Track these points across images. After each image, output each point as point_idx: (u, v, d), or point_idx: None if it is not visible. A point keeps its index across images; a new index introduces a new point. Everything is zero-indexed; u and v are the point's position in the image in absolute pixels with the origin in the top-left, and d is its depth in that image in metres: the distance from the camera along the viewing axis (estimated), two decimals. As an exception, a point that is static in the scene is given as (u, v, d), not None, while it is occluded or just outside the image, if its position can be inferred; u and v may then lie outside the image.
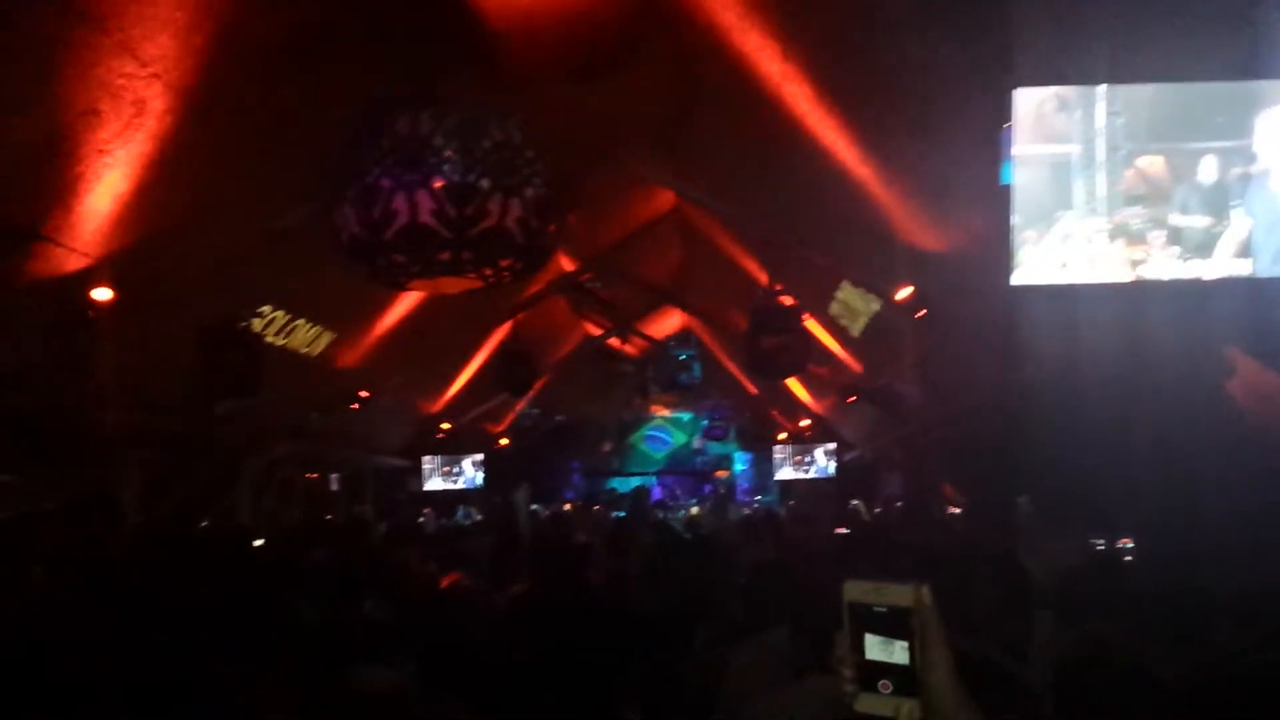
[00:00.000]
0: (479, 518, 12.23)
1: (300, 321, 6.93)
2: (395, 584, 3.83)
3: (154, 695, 1.56)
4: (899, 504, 10.53)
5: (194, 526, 6.81)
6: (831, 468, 13.01)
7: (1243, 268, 3.54)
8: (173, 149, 4.30)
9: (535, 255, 4.27)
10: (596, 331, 13.60)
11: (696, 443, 18.89)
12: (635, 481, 17.13)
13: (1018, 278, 3.71)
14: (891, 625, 1.17)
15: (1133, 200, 3.58)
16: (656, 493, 17.01)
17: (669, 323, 12.63)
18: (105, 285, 4.86)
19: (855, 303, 7.12)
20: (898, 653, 1.16)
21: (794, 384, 11.37)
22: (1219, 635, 2.73)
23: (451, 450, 13.26)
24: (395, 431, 11.89)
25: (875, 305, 6.81)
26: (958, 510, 8.92)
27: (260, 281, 6.14)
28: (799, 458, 13.37)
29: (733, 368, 13.20)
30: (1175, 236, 3.57)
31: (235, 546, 3.22)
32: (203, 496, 7.74)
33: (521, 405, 14.93)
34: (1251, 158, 3.48)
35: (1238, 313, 3.76)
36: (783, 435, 14.48)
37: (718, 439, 17.94)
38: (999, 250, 3.72)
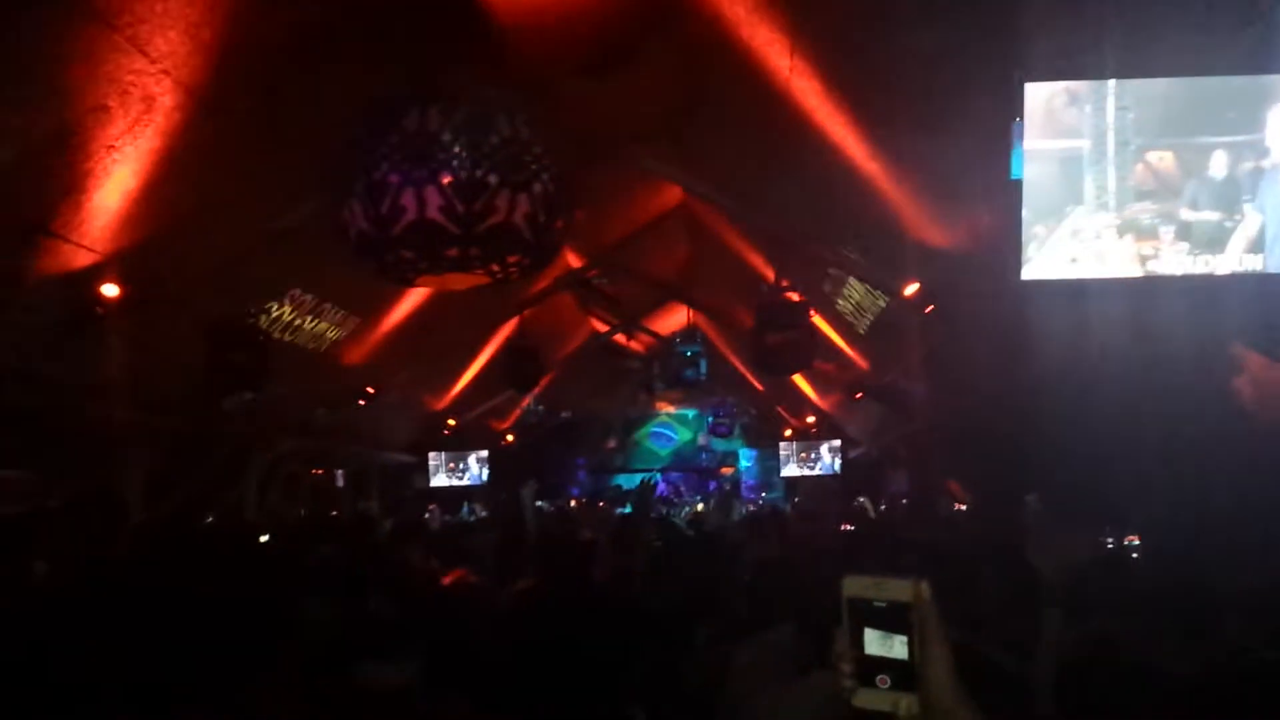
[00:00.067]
0: (484, 514, 12.25)
1: (326, 306, 6.97)
2: (400, 580, 3.84)
3: (158, 692, 1.56)
4: (905, 501, 10.52)
5: (199, 522, 6.84)
6: (837, 465, 13.00)
7: (1254, 263, 3.51)
8: (182, 146, 4.31)
9: (543, 251, 4.25)
10: (603, 328, 13.60)
11: (702, 439, 18.88)
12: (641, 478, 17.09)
13: (1027, 273, 3.69)
14: (891, 620, 1.17)
15: (1143, 195, 3.56)
16: (661, 488, 17.01)
17: (675, 319, 12.63)
18: (113, 281, 4.88)
19: (862, 299, 7.11)
20: (897, 648, 1.17)
21: (800, 380, 11.36)
22: (1228, 632, 2.72)
23: (457, 446, 13.29)
24: (401, 427, 11.92)
25: (881, 302, 6.80)
26: (964, 507, 8.91)
27: (267, 278, 6.16)
28: (805, 454, 13.36)
29: (739, 364, 13.19)
30: (1185, 232, 3.55)
31: (241, 542, 3.23)
32: (208, 492, 7.76)
33: (527, 401, 14.96)
34: (1263, 152, 3.46)
35: (1248, 309, 3.74)
36: (788, 432, 14.47)
37: (723, 436, 17.92)
38: (1008, 246, 3.70)
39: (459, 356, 11.03)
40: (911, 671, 1.16)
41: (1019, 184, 3.61)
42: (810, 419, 13.59)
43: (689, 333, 11.94)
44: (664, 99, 6.05)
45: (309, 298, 6.75)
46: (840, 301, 7.47)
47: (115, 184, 4.31)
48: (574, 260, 9.80)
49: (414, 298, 7.73)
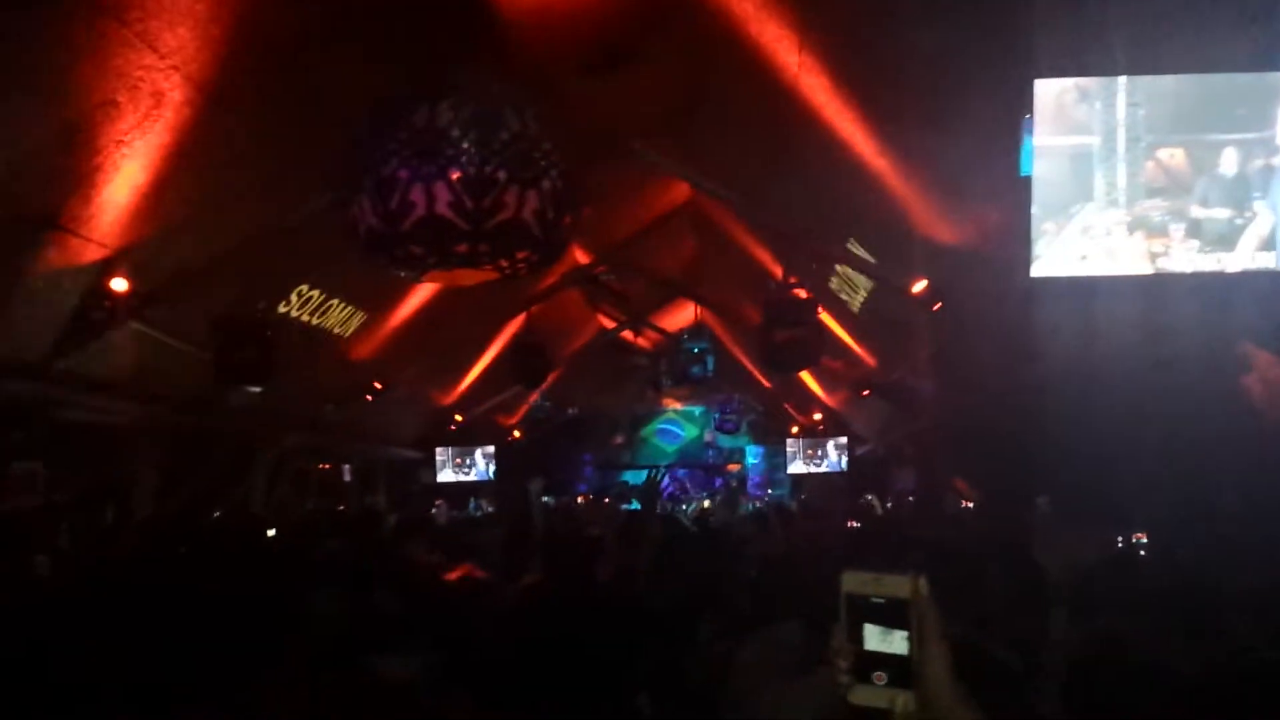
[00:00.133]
0: (490, 509, 12.27)
1: (335, 301, 6.99)
2: (405, 575, 3.84)
3: (166, 687, 1.56)
4: (911, 499, 10.49)
5: (206, 518, 6.86)
6: (844, 462, 12.97)
7: (1266, 261, 3.50)
8: (190, 141, 4.32)
9: (551, 248, 4.25)
10: (610, 324, 13.59)
11: (708, 436, 18.88)
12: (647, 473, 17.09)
13: (1036, 270, 3.67)
14: (889, 616, 1.17)
15: (1153, 192, 3.54)
16: (667, 485, 17.01)
17: (682, 316, 12.62)
18: (122, 276, 4.89)
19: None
20: (896, 643, 1.16)
21: (807, 378, 11.34)
22: (1235, 631, 2.71)
23: (464, 442, 13.30)
24: (408, 423, 11.95)
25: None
26: (971, 505, 8.88)
27: (276, 273, 6.17)
28: (811, 452, 13.34)
29: (746, 361, 13.18)
30: (1196, 229, 3.53)
31: (247, 538, 3.24)
32: (215, 488, 7.79)
33: (534, 398, 14.97)
34: (1274, 150, 3.44)
35: (1259, 307, 3.72)
36: (795, 429, 14.46)
37: (730, 432, 17.91)
38: (1018, 242, 3.69)
39: (467, 352, 11.05)
40: (909, 668, 1.15)
41: (1029, 180, 3.60)
42: (817, 416, 13.57)
43: (696, 329, 11.93)
44: (672, 95, 6.04)
45: (317, 293, 6.77)
46: (846, 296, 7.46)
47: (124, 179, 4.32)
48: (582, 257, 9.80)
49: (422, 293, 7.74)
